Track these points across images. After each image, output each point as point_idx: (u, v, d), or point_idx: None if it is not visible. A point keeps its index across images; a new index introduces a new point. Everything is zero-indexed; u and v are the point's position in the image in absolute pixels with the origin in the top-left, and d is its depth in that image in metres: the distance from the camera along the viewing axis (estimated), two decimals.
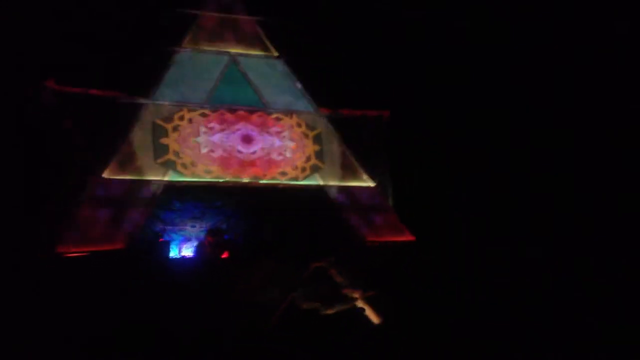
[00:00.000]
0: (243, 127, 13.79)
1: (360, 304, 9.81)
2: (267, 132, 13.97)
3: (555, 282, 11.65)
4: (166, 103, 13.40)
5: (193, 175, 12.95)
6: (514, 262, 11.74)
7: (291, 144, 14.04)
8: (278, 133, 14.08)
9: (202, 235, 12.38)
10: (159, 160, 12.78)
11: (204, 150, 13.26)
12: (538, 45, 14.79)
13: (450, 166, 14.34)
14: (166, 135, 13.11)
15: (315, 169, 14.01)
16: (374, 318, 9.18)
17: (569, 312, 10.42)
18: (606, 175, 13.76)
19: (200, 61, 14.08)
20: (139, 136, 12.85)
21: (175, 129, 13.24)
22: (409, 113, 14.53)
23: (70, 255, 10.84)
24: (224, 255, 11.67)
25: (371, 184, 14.21)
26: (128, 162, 12.46)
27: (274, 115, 14.25)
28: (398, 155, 14.26)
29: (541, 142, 14.55)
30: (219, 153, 13.36)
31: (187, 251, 12.18)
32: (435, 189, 14.01)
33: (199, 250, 11.78)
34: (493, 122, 14.54)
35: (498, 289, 10.28)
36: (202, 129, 13.47)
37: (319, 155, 14.21)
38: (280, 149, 13.92)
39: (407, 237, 13.49)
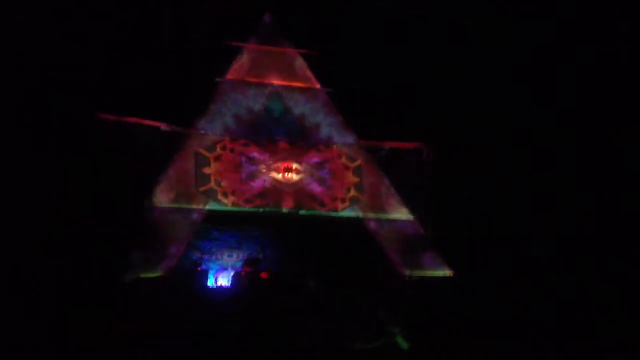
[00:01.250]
0: (284, 158, 13.89)
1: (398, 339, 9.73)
2: (308, 163, 14.03)
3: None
4: (209, 133, 13.62)
5: (233, 204, 13.05)
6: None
7: (331, 175, 14.05)
8: (318, 164, 14.12)
9: (238, 265, 12.39)
10: (201, 189, 12.94)
11: (244, 180, 13.37)
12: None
13: (490, 198, 14.10)
14: (208, 164, 13.30)
15: (354, 201, 13.94)
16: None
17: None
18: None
19: (244, 92, 14.31)
20: (182, 165, 13.07)
21: (217, 158, 13.43)
22: (450, 145, 14.38)
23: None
24: (264, 275, 11.65)
25: (411, 217, 14.02)
26: (170, 190, 12.66)
27: (315, 146, 14.33)
28: (439, 188, 14.03)
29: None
30: (259, 183, 13.46)
31: (223, 281, 12.20)
32: (476, 223, 13.74)
33: (235, 280, 11.76)
34: (535, 153, 14.36)
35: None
36: (244, 159, 13.62)
37: (359, 187, 14.15)
38: (320, 180, 13.93)
39: (447, 273, 13.24)
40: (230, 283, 11.91)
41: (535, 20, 14.29)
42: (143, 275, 11.35)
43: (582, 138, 13.91)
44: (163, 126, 13.00)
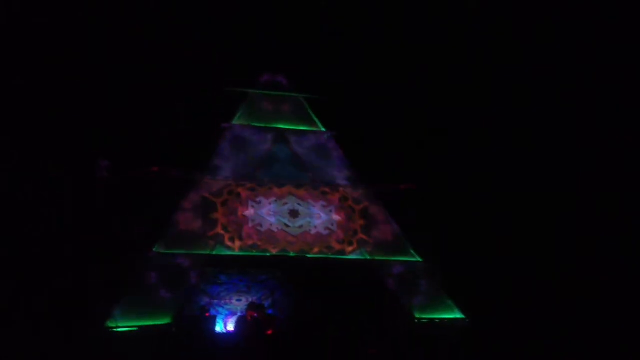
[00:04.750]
0: (290, 202, 13.99)
1: None
2: (314, 206, 14.11)
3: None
4: (216, 178, 13.78)
5: (240, 249, 13.09)
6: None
7: (337, 218, 14.10)
8: (325, 207, 14.19)
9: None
10: (208, 234, 13.01)
11: (251, 225, 13.44)
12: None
13: (497, 238, 14.06)
14: (215, 209, 13.40)
15: (361, 244, 13.93)
16: None
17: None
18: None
19: (250, 137, 14.54)
20: (189, 211, 13.17)
21: (224, 203, 13.53)
22: (455, 187, 14.46)
23: (119, 329, 11.01)
24: (268, 332, 11.52)
25: (419, 259, 13.98)
26: (178, 236, 12.74)
27: (321, 190, 14.43)
28: (447, 230, 13.97)
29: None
30: (266, 227, 13.51)
31: (232, 326, 12.11)
32: (484, 262, 13.66)
33: (239, 325, 11.64)
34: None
35: None
36: (250, 203, 13.72)
37: (366, 229, 14.17)
38: (327, 223, 13.97)
39: (458, 315, 13.14)
40: (234, 328, 11.79)
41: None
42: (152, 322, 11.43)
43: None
44: (172, 172, 13.16)
